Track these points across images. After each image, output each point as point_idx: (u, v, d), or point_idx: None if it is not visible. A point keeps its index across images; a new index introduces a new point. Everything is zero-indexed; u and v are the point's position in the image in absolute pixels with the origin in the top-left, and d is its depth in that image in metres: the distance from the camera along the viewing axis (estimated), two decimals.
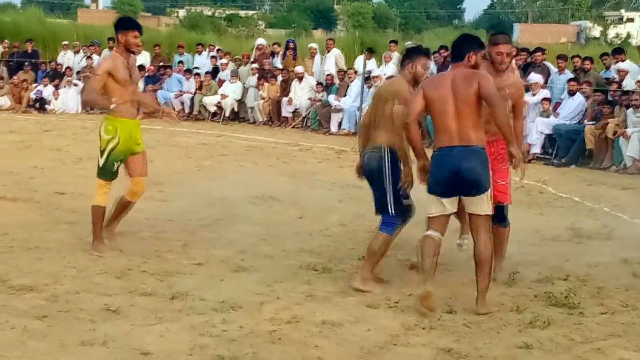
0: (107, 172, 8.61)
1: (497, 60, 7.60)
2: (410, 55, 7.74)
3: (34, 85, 25.21)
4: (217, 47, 26.24)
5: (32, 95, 24.57)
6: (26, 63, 26.13)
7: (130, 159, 8.69)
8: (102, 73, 8.47)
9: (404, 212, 7.58)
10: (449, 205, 7.07)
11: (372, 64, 22.08)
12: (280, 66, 23.53)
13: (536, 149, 17.52)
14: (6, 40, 28.46)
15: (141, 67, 24.09)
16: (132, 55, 8.67)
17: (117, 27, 8.63)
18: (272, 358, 5.87)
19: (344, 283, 7.74)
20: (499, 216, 7.64)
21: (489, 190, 7.03)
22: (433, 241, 7.01)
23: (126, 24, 8.68)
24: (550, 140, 17.59)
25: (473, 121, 6.94)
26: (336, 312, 6.89)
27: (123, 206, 8.90)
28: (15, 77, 25.18)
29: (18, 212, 10.25)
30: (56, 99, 24.40)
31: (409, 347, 6.22)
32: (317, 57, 23.74)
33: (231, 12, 72.64)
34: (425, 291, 6.82)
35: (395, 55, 22.76)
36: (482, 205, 7.01)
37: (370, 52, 22.62)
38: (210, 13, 67.82)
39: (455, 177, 6.91)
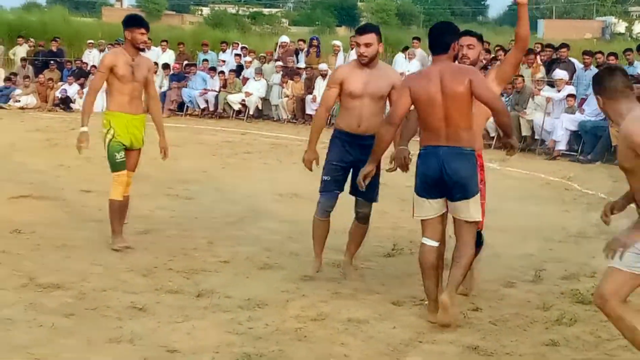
0: (113, 164, 8.71)
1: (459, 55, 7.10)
2: None
3: (60, 83, 25.35)
4: (241, 45, 26.29)
5: (58, 94, 24.70)
6: (52, 62, 26.27)
7: (125, 153, 8.76)
8: (104, 69, 8.64)
9: (321, 189, 7.76)
10: (438, 206, 6.61)
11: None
12: (304, 65, 23.54)
13: (561, 146, 17.44)
14: (32, 39, 28.64)
15: (166, 66, 24.26)
16: (139, 53, 8.75)
17: (124, 25, 8.75)
18: (298, 355, 5.88)
19: (369, 280, 7.75)
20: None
21: (477, 195, 6.55)
22: (430, 252, 6.61)
23: (133, 21, 8.81)
24: (575, 136, 17.50)
25: (463, 120, 6.46)
26: (362, 309, 6.89)
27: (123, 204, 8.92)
28: (41, 76, 25.30)
29: (45, 211, 10.32)
30: (80, 97, 24.51)
31: (435, 345, 6.21)
32: (341, 54, 23.70)
33: (255, 10, 72.74)
34: (442, 323, 6.49)
35: (419, 52, 22.78)
36: (467, 210, 6.53)
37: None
38: (234, 11, 67.87)
39: (440, 179, 6.48)
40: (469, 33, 7.21)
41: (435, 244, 6.63)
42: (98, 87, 8.81)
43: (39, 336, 6.06)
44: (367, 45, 7.49)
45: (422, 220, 6.70)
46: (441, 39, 6.66)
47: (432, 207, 6.62)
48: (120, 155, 8.65)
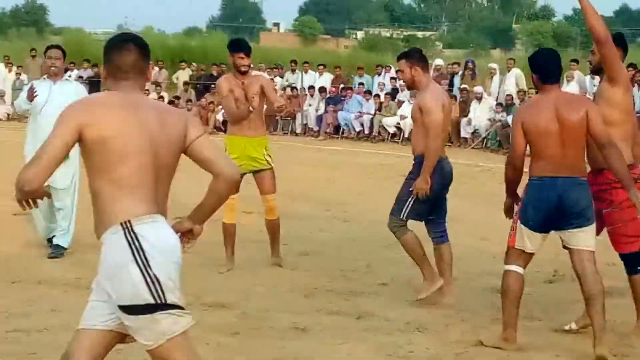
0: None
1: None
2: None
3: (220, 107, 25.99)
4: (396, 69, 26.41)
5: (219, 117, 25.34)
6: (213, 86, 26.95)
7: (256, 177, 8.90)
8: (226, 93, 8.79)
9: None
10: (536, 241, 6.51)
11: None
12: (461, 86, 23.45)
13: None
14: (194, 64, 29.51)
15: (322, 89, 24.63)
16: (246, 74, 8.86)
17: (228, 49, 9.00)
18: None
19: (530, 306, 7.64)
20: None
21: (593, 224, 6.41)
22: (519, 280, 6.55)
23: (232, 46, 9.03)
24: None
25: (577, 150, 6.33)
26: (523, 336, 6.77)
27: (269, 228, 9.10)
28: (202, 100, 26.04)
29: (206, 230, 10.54)
30: None
31: None
32: (497, 77, 23.54)
33: (409, 33, 72.88)
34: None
35: (577, 75, 22.35)
36: (587, 239, 6.39)
37: None
38: (388, 34, 68.22)
39: (557, 210, 6.32)
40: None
41: (523, 271, 6.59)
42: (234, 107, 8.74)
43: (204, 354, 6.17)
44: (401, 72, 8.05)
45: (511, 248, 6.58)
46: (555, 68, 6.53)
47: (537, 241, 6.52)
48: None
